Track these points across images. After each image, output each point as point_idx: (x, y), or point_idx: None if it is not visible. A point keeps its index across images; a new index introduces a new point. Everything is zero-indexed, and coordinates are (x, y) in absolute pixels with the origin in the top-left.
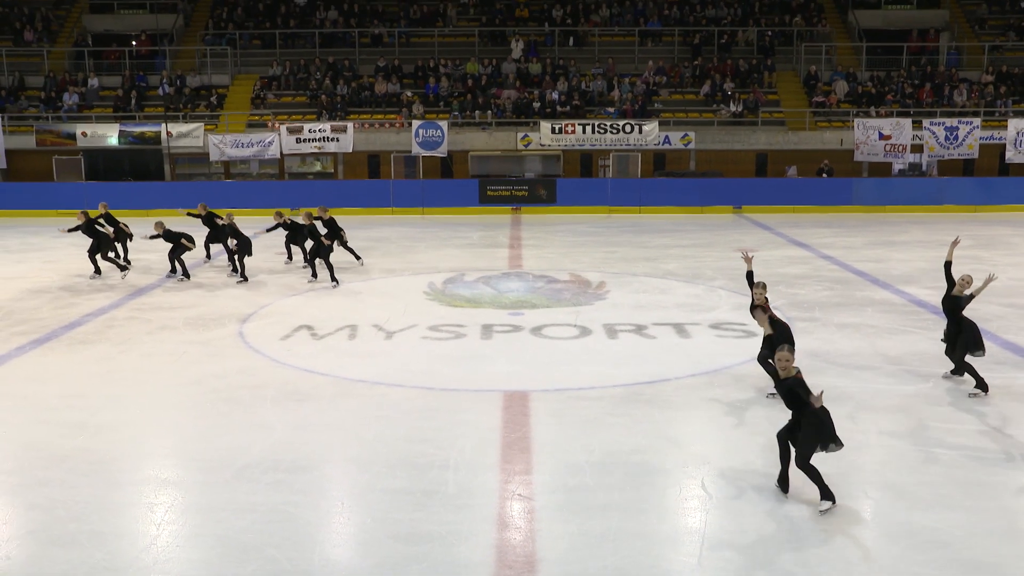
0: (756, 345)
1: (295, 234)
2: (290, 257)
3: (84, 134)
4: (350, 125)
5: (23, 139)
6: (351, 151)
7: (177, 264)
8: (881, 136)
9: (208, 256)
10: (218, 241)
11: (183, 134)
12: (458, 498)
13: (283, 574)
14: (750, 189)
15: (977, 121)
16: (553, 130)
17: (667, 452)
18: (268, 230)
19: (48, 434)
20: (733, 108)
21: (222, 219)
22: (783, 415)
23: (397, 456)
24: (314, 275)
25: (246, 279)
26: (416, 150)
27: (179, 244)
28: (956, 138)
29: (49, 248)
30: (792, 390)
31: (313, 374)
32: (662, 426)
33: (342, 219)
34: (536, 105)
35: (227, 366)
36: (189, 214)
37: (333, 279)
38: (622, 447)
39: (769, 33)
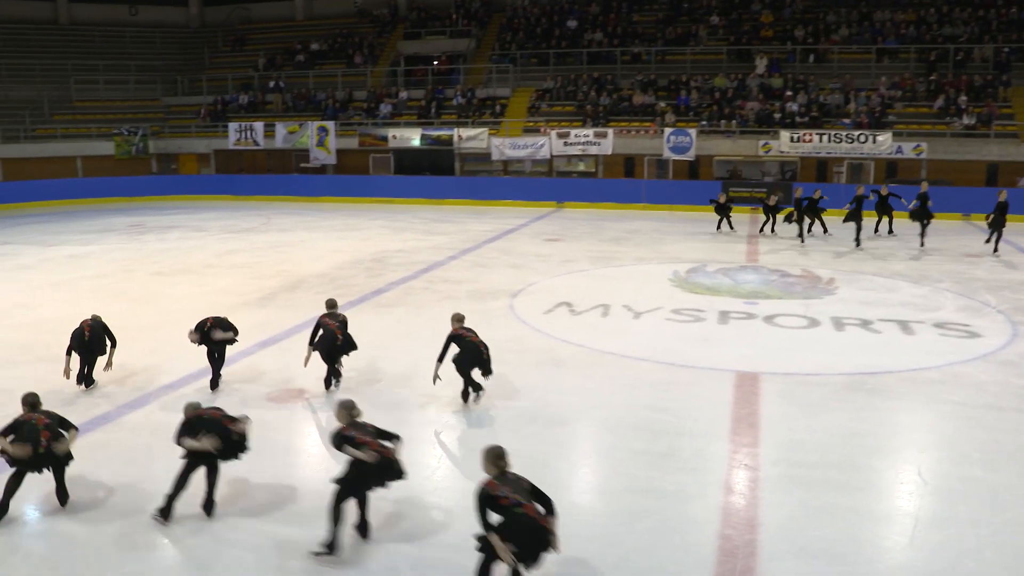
0: (981, 346)
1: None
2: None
3: (394, 137)
4: (610, 131)
5: (349, 141)
6: (610, 153)
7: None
8: None
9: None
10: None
11: (471, 137)
12: (690, 462)
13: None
14: (979, 198)
15: None
16: (792, 139)
17: (886, 439)
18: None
19: (357, 378)
20: (966, 120)
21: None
22: (1006, 415)
23: (639, 421)
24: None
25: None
26: (667, 154)
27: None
28: None
29: (364, 228)
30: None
31: (570, 344)
32: (882, 414)
33: (600, 212)
34: (777, 116)
35: (498, 333)
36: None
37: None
38: (843, 430)
39: (1006, 49)
